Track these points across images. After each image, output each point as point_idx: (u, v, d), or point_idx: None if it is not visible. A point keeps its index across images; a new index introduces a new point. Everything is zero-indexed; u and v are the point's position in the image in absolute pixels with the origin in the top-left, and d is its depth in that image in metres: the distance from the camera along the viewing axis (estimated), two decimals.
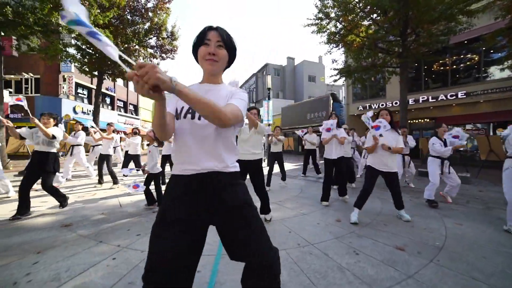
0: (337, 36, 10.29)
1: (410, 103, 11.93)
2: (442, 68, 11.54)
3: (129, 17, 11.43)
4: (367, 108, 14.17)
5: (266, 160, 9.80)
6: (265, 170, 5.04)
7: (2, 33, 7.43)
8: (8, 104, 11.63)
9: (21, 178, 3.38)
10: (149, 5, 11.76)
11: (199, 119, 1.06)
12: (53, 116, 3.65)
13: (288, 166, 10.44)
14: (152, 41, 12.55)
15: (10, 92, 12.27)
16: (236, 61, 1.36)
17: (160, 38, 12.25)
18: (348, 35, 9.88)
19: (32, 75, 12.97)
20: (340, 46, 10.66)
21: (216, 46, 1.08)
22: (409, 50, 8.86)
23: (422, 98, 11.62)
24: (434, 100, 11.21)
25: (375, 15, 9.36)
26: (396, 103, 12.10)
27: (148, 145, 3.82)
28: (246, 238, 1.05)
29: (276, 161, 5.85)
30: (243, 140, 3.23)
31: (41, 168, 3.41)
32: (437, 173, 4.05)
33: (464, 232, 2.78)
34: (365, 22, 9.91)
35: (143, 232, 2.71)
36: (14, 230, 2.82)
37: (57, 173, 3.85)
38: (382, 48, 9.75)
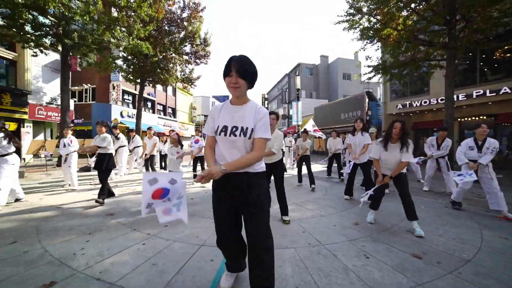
0: (370, 31, 9.71)
1: (460, 99, 10.64)
2: (507, 55, 9.88)
3: (166, 28, 12.51)
4: (408, 106, 13.02)
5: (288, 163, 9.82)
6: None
7: (71, 54, 8.87)
8: (73, 111, 13.76)
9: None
10: (184, 15, 12.70)
11: (230, 135, 1.47)
12: (104, 124, 4.35)
13: (317, 167, 10.24)
14: (187, 48, 13.50)
15: (74, 101, 14.55)
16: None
17: (194, 45, 13.10)
18: (384, 29, 9.25)
19: (89, 85, 15.12)
20: (374, 41, 10.04)
21: (237, 76, 1.41)
22: (458, 39, 7.91)
23: (477, 92, 10.21)
24: (494, 94, 9.73)
25: (413, 5, 8.58)
26: (442, 99, 10.89)
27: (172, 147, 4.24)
28: (253, 226, 1.50)
29: (304, 164, 5.82)
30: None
31: (98, 166, 4.14)
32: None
33: (507, 247, 2.48)
34: (403, 13, 9.15)
35: (170, 224, 3.05)
36: (75, 215, 3.45)
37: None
38: (423, 40, 8.86)
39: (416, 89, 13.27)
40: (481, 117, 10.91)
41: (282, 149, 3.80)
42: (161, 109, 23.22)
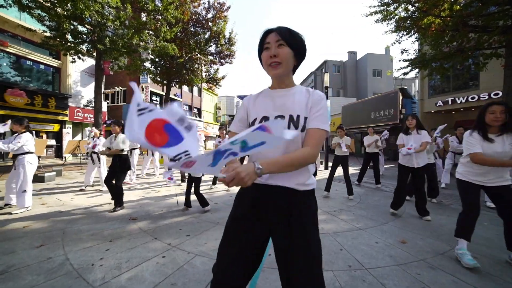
0: (408, 21, 8.78)
1: None
2: None
3: (192, 29, 12.68)
4: (450, 103, 11.67)
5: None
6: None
7: (104, 58, 9.35)
8: (106, 113, 14.64)
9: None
10: (209, 15, 12.77)
11: None
12: (119, 123, 4.28)
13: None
14: (212, 48, 13.58)
15: (107, 103, 15.51)
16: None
17: (219, 45, 13.12)
18: (424, 17, 8.28)
19: (121, 88, 15.99)
20: (412, 32, 9.08)
21: (276, 46, 1.01)
22: None
23: None
24: None
25: None
26: (496, 94, 9.52)
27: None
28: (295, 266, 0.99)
29: (340, 165, 5.08)
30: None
31: (113, 167, 4.04)
32: None
33: None
34: None
35: (192, 233, 2.86)
36: (100, 217, 3.44)
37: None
38: (474, 26, 7.68)
39: (460, 84, 11.83)
40: None
41: None
42: (187, 109, 23.91)
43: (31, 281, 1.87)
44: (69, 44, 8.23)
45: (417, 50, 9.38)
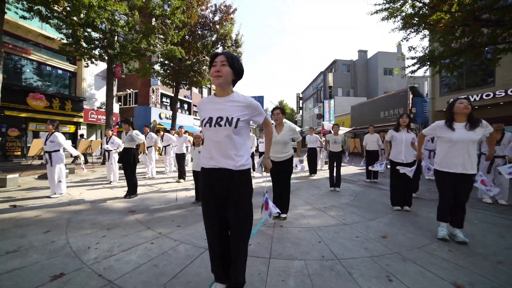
0: (415, 18, 8.57)
1: None
2: None
3: (199, 32, 13.03)
4: None
5: (319, 164, 9.27)
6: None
7: (117, 62, 9.88)
8: (118, 114, 15.34)
9: None
10: (216, 18, 13.08)
11: (214, 126, 1.47)
12: (128, 122, 4.69)
13: (352, 169, 9.51)
14: (219, 50, 13.88)
15: (119, 105, 16.22)
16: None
17: (226, 47, 13.40)
18: (432, 13, 8.06)
19: (132, 90, 16.69)
20: (420, 29, 8.85)
21: (220, 65, 1.46)
22: None
23: None
24: None
25: None
26: None
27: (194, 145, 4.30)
28: (233, 222, 1.55)
29: (334, 162, 5.24)
30: (272, 143, 3.26)
31: (123, 160, 4.59)
32: None
33: None
34: None
35: (183, 225, 3.06)
36: (103, 209, 3.73)
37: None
38: (487, 20, 7.37)
39: (475, 81, 11.34)
40: None
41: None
42: (197, 110, 24.42)
43: (35, 259, 2.14)
44: (83, 49, 8.78)
45: (426, 47, 9.09)
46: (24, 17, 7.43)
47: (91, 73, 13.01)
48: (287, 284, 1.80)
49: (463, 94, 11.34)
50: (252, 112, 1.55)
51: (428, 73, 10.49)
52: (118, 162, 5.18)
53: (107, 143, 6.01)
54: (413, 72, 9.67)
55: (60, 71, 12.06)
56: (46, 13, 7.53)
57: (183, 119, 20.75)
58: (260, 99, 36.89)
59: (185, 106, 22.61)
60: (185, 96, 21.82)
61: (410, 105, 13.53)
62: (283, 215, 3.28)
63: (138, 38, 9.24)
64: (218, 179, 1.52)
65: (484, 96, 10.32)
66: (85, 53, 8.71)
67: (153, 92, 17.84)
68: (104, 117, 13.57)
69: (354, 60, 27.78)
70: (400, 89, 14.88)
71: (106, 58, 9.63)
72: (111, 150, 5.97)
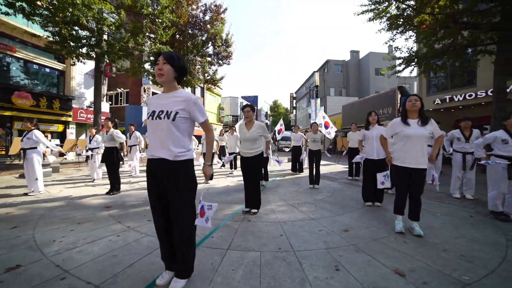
0: (400, 19, 8.74)
1: None
2: None
3: (190, 31, 13.04)
4: (448, 100, 11.48)
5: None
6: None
7: (106, 61, 9.82)
8: (108, 113, 15.23)
9: None
10: (206, 18, 13.10)
11: (155, 119, 1.58)
12: (111, 120, 4.75)
13: (338, 167, 9.65)
14: (210, 49, 13.91)
15: (110, 104, 16.11)
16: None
17: (216, 47, 13.43)
18: (416, 15, 8.24)
19: (123, 89, 16.61)
20: (405, 30, 9.02)
21: (162, 64, 1.57)
22: None
23: None
24: None
25: None
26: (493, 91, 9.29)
27: None
28: (173, 213, 1.63)
29: (314, 160, 5.33)
30: (242, 139, 3.39)
31: (105, 158, 4.68)
32: (500, 177, 3.22)
33: None
34: None
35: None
36: (79, 206, 3.76)
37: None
38: (466, 23, 7.59)
39: (459, 82, 11.59)
40: None
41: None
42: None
43: None
44: (70, 48, 8.72)
45: (411, 48, 9.28)
46: (7, 14, 7.36)
47: (81, 71, 12.90)
48: (237, 272, 1.88)
49: (448, 94, 11.61)
50: (191, 108, 1.61)
51: (414, 74, 10.66)
52: (102, 161, 5.17)
53: (90, 142, 6.02)
54: (399, 72, 9.85)
55: (47, 70, 11.93)
56: (29, 9, 7.47)
57: None
58: (254, 99, 37.04)
59: None
60: None
61: (398, 104, 13.75)
62: (253, 210, 3.38)
63: (126, 37, 9.22)
64: (157, 169, 1.60)
65: (467, 96, 10.57)
66: (72, 52, 8.66)
67: (145, 91, 17.78)
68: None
69: (347, 60, 28.05)
70: (389, 89, 15.09)
71: (94, 56, 9.58)
72: (93, 149, 5.97)
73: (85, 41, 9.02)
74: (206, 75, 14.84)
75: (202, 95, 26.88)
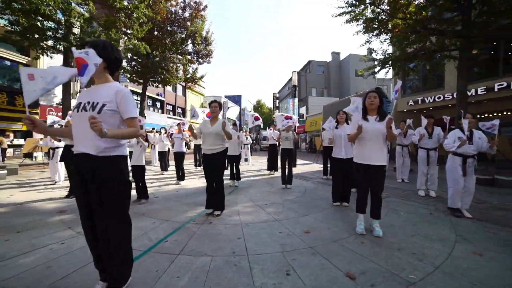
0: (375, 22, 8.99)
1: (479, 93, 9.59)
2: None
3: (168, 28, 12.63)
4: (420, 102, 12.01)
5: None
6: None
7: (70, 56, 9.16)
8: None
9: None
10: (186, 14, 12.76)
11: (80, 111, 1.45)
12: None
13: (315, 167, 9.74)
14: (189, 47, 13.57)
15: None
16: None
17: (196, 45, 13.13)
18: (390, 19, 8.52)
19: None
20: (380, 33, 9.30)
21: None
22: (474, 26, 7.08)
23: (499, 85, 9.08)
24: None
25: None
26: None
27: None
28: (98, 215, 1.49)
29: (287, 158, 5.31)
30: (205, 135, 3.27)
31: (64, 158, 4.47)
32: (458, 175, 3.33)
33: (473, 267, 2.00)
34: (415, 2, 8.34)
35: None
36: (29, 211, 3.45)
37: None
38: (434, 29, 8.00)
39: (430, 85, 12.20)
40: (507, 112, 9.73)
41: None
42: (171, 109, 23.75)
43: None
44: (33, 39, 8.08)
45: (385, 51, 9.59)
46: None
47: (49, 66, 12.06)
48: (181, 280, 1.76)
49: (420, 96, 12.15)
50: (119, 100, 1.48)
51: (389, 75, 11.04)
52: (60, 160, 4.88)
53: (50, 140, 5.60)
54: (374, 73, 10.14)
55: (8, 62, 11.01)
56: None
57: (155, 117, 20.06)
58: (237, 98, 36.77)
59: (158, 104, 21.88)
60: (157, 94, 21.12)
61: None
62: (216, 212, 3.28)
63: (97, 31, 8.72)
64: (82, 164, 1.47)
65: (436, 99, 11.12)
66: (35, 44, 8.02)
67: None
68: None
69: (328, 62, 28.65)
70: (367, 90, 15.54)
71: (62, 50, 8.97)
72: (55, 148, 5.56)
73: (51, 33, 8.40)
74: (186, 73, 14.48)
75: (184, 94, 26.29)
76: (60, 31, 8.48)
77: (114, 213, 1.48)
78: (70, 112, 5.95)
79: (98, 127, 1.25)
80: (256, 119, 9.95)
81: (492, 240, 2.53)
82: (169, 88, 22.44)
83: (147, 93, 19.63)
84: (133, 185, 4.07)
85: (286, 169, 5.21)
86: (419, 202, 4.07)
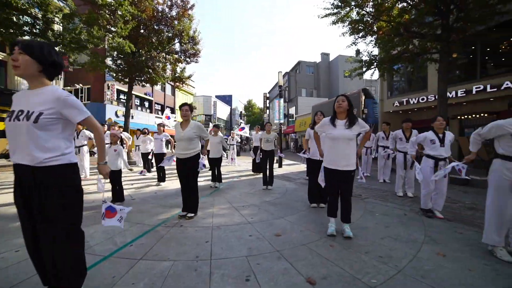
0: (361, 24, 9.11)
1: (459, 95, 9.88)
2: (510, 47, 9.02)
3: (155, 26, 12.35)
4: (405, 103, 12.26)
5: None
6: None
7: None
8: None
9: None
10: (173, 13, 12.52)
11: (13, 120, 1.33)
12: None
13: (301, 167, 9.76)
14: (177, 47, 13.34)
15: None
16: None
17: (183, 43, 12.92)
18: (375, 22, 8.65)
19: (81, 85, 15.30)
20: (366, 35, 9.42)
21: (18, 53, 1.31)
22: (452, 30, 7.28)
23: (477, 88, 9.38)
24: (495, 89, 8.89)
25: None
26: None
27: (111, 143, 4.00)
28: (41, 237, 1.38)
29: (268, 160, 5.24)
30: (177, 140, 3.22)
31: None
32: (429, 177, 3.35)
33: (435, 268, 2.01)
34: (398, 5, 8.51)
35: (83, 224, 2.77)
36: None
37: None
38: (415, 33, 8.19)
39: (415, 86, 12.49)
40: (484, 114, 10.05)
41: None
42: (159, 108, 23.34)
43: None
44: (7, 34, 7.68)
45: (371, 52, 9.73)
46: None
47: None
48: (136, 287, 1.69)
49: (405, 97, 12.40)
50: (61, 107, 1.38)
51: (374, 77, 11.21)
52: None
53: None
54: (360, 74, 10.27)
55: None
56: None
57: (143, 117, 19.68)
58: (228, 98, 36.65)
59: (146, 104, 21.46)
60: (145, 94, 20.72)
61: (362, 106, 14.37)
62: (189, 215, 3.20)
63: (78, 28, 8.42)
64: (21, 175, 1.38)
65: (420, 100, 11.37)
66: (8, 39, 7.63)
67: (109, 88, 16.59)
68: None
69: (318, 62, 28.93)
70: (354, 91, 15.75)
71: None
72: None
73: (28, 28, 8.03)
74: (174, 72, 14.23)
75: (173, 93, 25.90)
76: (37, 27, 8.12)
77: (62, 230, 1.37)
78: None
79: (105, 173, 1.61)
80: (240, 130, 10.14)
81: (459, 240, 2.57)
82: (158, 88, 22.06)
83: (135, 93, 19.27)
84: (110, 187, 3.99)
85: (267, 170, 5.17)
86: (396, 203, 4.11)
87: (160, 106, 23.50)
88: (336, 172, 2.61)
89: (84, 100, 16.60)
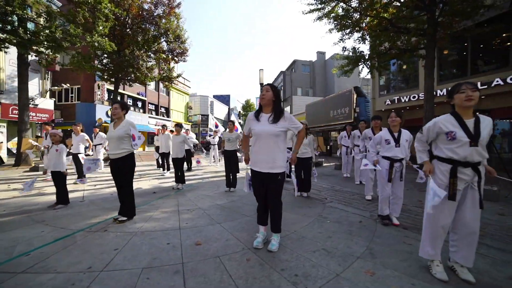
0: (348, 20, 8.78)
1: None
2: (501, 44, 8.61)
3: (142, 25, 12.21)
4: (396, 101, 11.87)
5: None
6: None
7: (22, 51, 8.61)
8: (53, 111, 13.96)
9: None
10: (159, 11, 12.37)
11: None
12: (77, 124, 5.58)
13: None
14: (164, 46, 13.19)
15: (54, 101, 14.63)
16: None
17: (169, 42, 12.77)
18: (361, 17, 8.34)
19: (69, 85, 15.21)
20: (353, 31, 9.10)
21: None
22: (439, 25, 6.95)
23: None
24: (486, 86, 8.48)
25: None
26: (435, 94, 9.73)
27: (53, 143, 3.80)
28: None
29: (230, 160, 5.01)
30: (108, 139, 3.10)
31: None
32: (384, 180, 3.07)
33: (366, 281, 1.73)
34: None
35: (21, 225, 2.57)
36: None
37: None
38: (401, 27, 7.85)
39: (406, 84, 12.10)
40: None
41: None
42: (153, 108, 23.24)
43: None
44: None
45: (357, 49, 9.38)
46: None
47: (12, 62, 11.48)
48: None
49: (396, 95, 12.01)
50: None
51: (362, 74, 10.86)
52: None
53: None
54: (346, 72, 9.94)
55: None
56: None
57: (136, 117, 19.59)
58: (226, 98, 36.48)
59: (139, 103, 21.37)
60: (138, 93, 20.63)
61: (355, 104, 14.03)
62: (121, 218, 2.98)
63: (53, 26, 8.29)
64: None
65: (411, 98, 10.98)
66: None
67: (99, 88, 16.52)
68: (33, 114, 12.25)
69: (313, 61, 28.51)
70: (346, 89, 15.40)
71: (15, 44, 8.47)
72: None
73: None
74: (162, 72, 14.10)
75: (168, 93, 25.79)
76: (7, 24, 7.93)
77: None
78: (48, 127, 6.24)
79: None
80: (216, 126, 9.94)
81: (400, 254, 2.26)
82: (151, 87, 21.97)
83: (127, 93, 19.22)
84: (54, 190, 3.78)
85: (230, 171, 4.91)
86: (359, 208, 3.77)
87: (154, 106, 23.41)
88: (260, 175, 2.32)
89: (75, 100, 16.57)
